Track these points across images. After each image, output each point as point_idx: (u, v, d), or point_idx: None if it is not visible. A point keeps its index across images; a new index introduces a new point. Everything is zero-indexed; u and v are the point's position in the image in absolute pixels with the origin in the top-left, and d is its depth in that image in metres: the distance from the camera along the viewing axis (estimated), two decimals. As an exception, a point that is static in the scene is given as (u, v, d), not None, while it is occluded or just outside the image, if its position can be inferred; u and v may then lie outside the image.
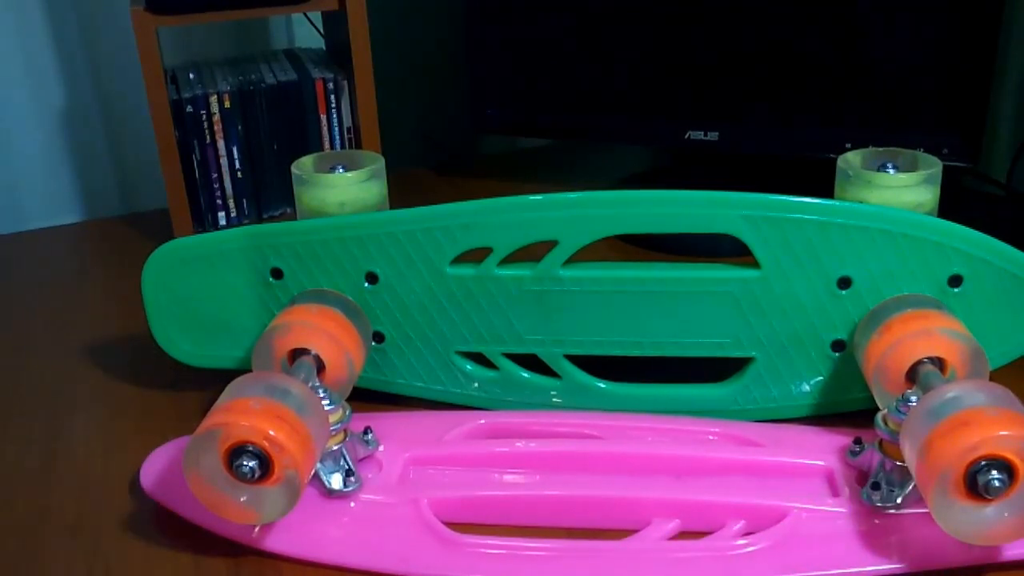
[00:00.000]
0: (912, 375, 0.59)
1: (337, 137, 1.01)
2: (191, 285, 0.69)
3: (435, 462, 0.63)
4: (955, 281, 0.63)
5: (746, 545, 0.56)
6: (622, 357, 0.68)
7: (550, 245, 0.66)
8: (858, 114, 0.90)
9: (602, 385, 0.69)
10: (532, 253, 0.66)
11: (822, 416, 0.67)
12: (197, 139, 0.96)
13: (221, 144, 0.97)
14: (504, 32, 0.99)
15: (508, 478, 0.62)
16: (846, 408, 0.67)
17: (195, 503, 0.56)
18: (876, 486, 0.57)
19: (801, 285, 0.64)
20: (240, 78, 0.99)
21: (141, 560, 0.58)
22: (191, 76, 0.99)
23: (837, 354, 0.66)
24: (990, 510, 0.51)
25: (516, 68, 1.00)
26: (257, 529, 0.58)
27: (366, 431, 0.63)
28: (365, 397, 0.70)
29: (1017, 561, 0.54)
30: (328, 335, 0.64)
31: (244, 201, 1.00)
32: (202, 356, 0.71)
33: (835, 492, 0.59)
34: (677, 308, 0.66)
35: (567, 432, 0.66)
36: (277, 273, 0.68)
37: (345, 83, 0.99)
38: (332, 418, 0.59)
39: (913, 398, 0.56)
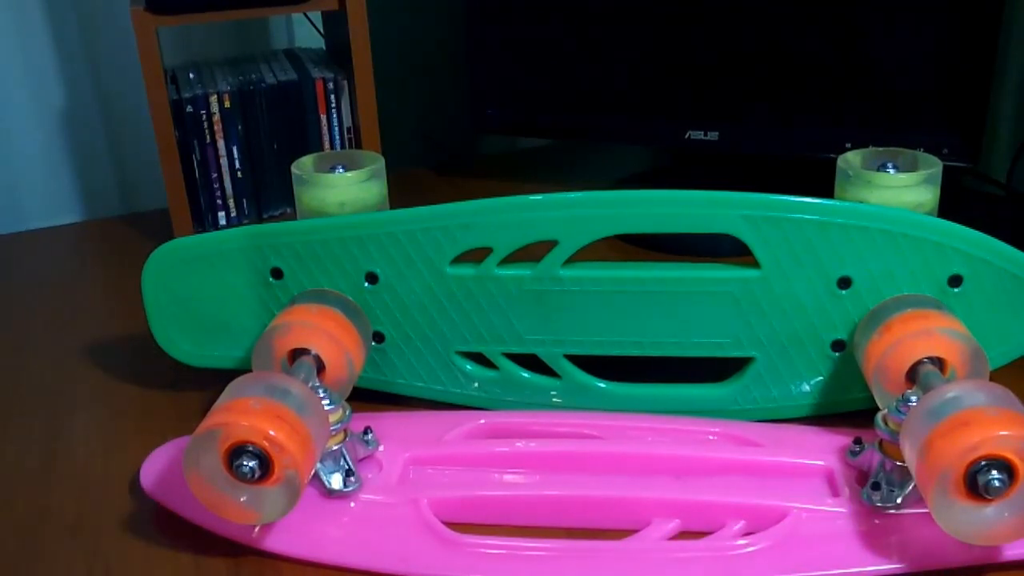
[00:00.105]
0: (912, 375, 0.59)
1: (337, 137, 1.01)
2: (191, 285, 0.69)
3: (435, 462, 0.63)
4: (955, 281, 0.63)
5: (746, 545, 0.56)
6: (622, 357, 0.68)
7: (550, 245, 0.66)
8: (858, 114, 0.90)
9: (602, 385, 0.69)
10: (532, 253, 0.66)
11: (822, 416, 0.67)
12: (197, 139, 0.96)
13: (221, 144, 0.97)
14: (504, 32, 0.99)
15: (508, 478, 0.62)
16: (846, 408, 0.67)
17: (195, 503, 0.56)
18: (876, 486, 0.57)
19: (801, 285, 0.64)
20: (240, 78, 0.98)
21: (141, 560, 0.58)
22: (191, 76, 0.99)
23: (837, 354, 0.66)
24: (990, 510, 0.51)
25: (516, 68, 1.00)
26: (257, 529, 0.58)
27: (366, 431, 0.63)
28: (365, 397, 0.70)
29: (1017, 561, 0.54)
30: (328, 335, 0.64)
31: (244, 201, 1.00)
32: (202, 356, 0.71)
33: (835, 492, 0.59)
34: (677, 308, 0.66)
35: (567, 432, 0.66)
36: (277, 273, 0.68)
37: (345, 83, 0.99)
38: (332, 418, 0.59)
39: (913, 398, 0.56)
